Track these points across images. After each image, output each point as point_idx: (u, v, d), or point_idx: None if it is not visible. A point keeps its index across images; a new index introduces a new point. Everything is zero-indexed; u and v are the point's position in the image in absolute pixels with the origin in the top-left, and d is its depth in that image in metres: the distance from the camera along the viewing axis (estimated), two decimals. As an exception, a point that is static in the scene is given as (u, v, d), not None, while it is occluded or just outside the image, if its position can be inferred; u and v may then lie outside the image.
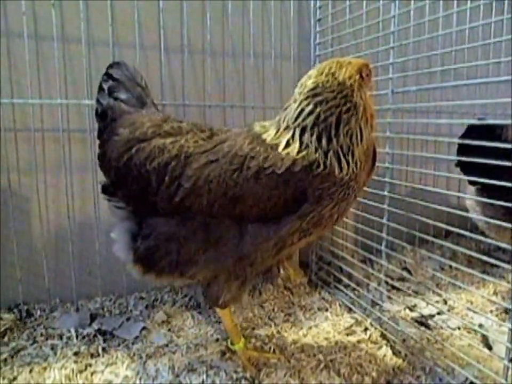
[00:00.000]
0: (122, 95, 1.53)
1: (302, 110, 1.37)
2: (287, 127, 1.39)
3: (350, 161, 1.36)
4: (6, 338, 1.83)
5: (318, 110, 1.35)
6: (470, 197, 2.04)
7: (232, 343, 1.71)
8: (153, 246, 1.43)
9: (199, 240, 1.40)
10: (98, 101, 1.54)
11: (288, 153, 1.34)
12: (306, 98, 1.38)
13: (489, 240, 1.53)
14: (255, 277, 1.58)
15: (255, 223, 1.37)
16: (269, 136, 1.41)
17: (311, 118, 1.36)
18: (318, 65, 1.50)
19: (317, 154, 1.33)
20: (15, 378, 1.58)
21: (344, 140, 1.36)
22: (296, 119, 1.38)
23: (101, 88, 1.55)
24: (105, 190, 1.54)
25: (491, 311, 2.08)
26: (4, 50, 1.88)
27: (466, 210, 2.13)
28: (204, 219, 1.39)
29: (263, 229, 1.37)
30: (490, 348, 1.74)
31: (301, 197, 1.34)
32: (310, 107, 1.36)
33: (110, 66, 1.59)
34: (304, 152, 1.34)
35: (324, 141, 1.34)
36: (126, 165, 1.41)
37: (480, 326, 1.91)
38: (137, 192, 1.42)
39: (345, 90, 1.37)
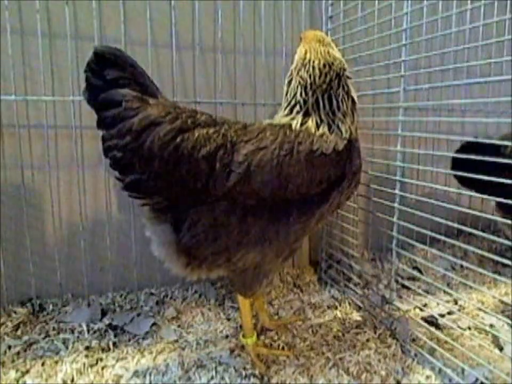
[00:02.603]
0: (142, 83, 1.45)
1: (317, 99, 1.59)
2: (309, 114, 1.58)
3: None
4: (19, 332, 1.86)
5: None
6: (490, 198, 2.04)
7: (244, 336, 1.72)
8: (201, 233, 1.45)
9: (249, 223, 1.45)
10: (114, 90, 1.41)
11: (325, 135, 1.52)
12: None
13: (501, 240, 1.52)
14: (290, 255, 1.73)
15: (300, 202, 1.49)
16: (296, 125, 1.56)
17: (327, 105, 1.58)
18: (311, 52, 1.67)
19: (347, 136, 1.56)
20: (27, 371, 1.61)
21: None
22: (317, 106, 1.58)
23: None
24: (132, 187, 1.45)
25: (502, 312, 2.06)
26: (18, 47, 1.90)
27: (478, 210, 2.12)
28: (253, 202, 1.44)
29: (307, 207, 1.51)
30: (501, 349, 1.73)
31: (342, 173, 1.52)
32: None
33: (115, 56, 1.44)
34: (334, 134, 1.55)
35: (346, 126, 1.58)
36: (172, 154, 1.38)
37: (491, 326, 1.90)
38: (186, 181, 1.41)
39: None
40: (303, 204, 1.50)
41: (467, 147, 2.20)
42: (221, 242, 1.47)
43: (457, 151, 2.22)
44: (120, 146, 1.38)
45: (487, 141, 1.65)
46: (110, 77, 1.38)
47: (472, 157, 1.51)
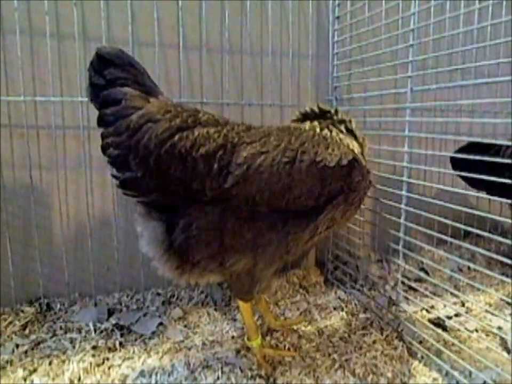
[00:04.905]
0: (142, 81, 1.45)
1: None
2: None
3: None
4: (26, 331, 1.87)
5: None
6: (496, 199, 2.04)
7: (248, 339, 1.71)
8: (196, 236, 1.41)
9: (244, 228, 1.42)
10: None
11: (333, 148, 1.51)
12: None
13: (509, 241, 1.50)
14: (285, 265, 1.68)
15: (294, 213, 1.45)
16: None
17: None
18: None
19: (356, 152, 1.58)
20: (35, 370, 1.62)
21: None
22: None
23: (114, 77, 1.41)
24: (127, 185, 1.42)
25: (510, 314, 2.04)
26: (27, 48, 1.92)
27: (485, 211, 2.10)
28: (250, 208, 1.40)
29: (302, 219, 1.46)
30: (509, 351, 1.71)
31: (342, 188, 1.49)
32: None
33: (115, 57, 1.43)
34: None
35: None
36: (168, 152, 1.35)
37: (499, 328, 1.88)
38: (181, 181, 1.38)
39: None
40: (298, 216, 1.45)
41: (467, 148, 2.22)
42: (215, 246, 1.43)
43: (456, 152, 2.22)
44: (117, 144, 1.37)
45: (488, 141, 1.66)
46: (110, 76, 1.38)
47: (466, 156, 1.52)
